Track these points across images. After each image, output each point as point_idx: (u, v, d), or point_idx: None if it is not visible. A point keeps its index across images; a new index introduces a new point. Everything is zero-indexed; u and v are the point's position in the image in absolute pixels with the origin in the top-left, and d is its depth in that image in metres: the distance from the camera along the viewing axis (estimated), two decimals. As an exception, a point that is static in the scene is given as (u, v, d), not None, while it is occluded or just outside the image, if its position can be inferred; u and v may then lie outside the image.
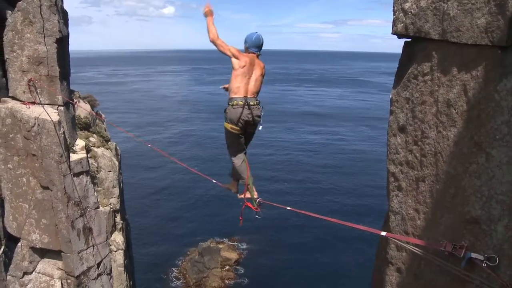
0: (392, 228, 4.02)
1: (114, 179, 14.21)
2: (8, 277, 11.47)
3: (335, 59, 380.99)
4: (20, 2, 10.80)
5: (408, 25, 3.52)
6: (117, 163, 14.87)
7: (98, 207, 12.55)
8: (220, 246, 30.51)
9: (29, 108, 10.85)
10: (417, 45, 3.60)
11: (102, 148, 14.63)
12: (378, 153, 50.84)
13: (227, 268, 28.33)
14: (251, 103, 5.27)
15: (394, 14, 3.76)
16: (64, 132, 11.09)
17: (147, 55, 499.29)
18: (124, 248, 14.54)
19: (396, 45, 4.27)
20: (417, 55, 3.57)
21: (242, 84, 5.29)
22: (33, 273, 11.75)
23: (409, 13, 3.49)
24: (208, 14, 5.40)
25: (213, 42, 5.38)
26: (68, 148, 11.46)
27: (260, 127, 5.60)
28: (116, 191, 14.27)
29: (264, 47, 5.70)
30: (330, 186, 42.82)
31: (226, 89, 5.79)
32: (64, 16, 11.84)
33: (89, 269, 12.09)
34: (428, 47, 3.37)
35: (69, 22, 12.46)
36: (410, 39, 3.80)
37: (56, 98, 11.39)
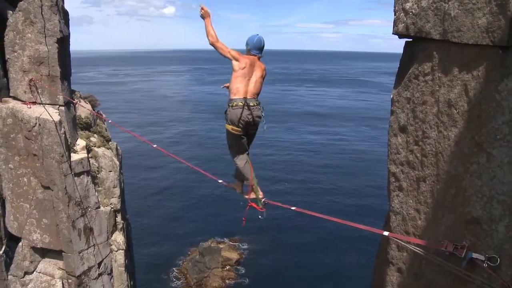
0: (393, 228, 4.02)
1: (115, 179, 14.22)
2: (9, 277, 11.49)
3: (335, 59, 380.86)
4: (21, 2, 10.81)
5: (409, 25, 3.52)
6: (118, 163, 14.88)
7: (99, 207, 12.56)
8: (221, 246, 30.50)
9: (30, 108, 10.86)
10: (418, 45, 3.60)
11: (103, 148, 14.63)
12: (379, 153, 50.77)
13: (228, 268, 28.32)
14: (251, 104, 5.26)
15: (395, 14, 3.76)
16: (65, 132, 11.10)
17: (147, 55, 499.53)
18: (125, 248, 14.55)
19: (397, 45, 4.27)
20: (418, 55, 3.57)
21: (242, 85, 5.29)
22: (34, 272, 11.76)
23: (410, 13, 3.49)
24: (205, 16, 5.36)
25: (212, 45, 5.37)
26: (69, 148, 11.47)
27: (265, 127, 5.62)
28: (117, 191, 14.27)
29: (264, 47, 5.67)
30: (330, 186, 42.81)
31: (228, 88, 5.80)
32: (65, 16, 11.85)
33: (90, 269, 12.10)
34: (429, 47, 3.37)
35: (70, 22, 12.47)
36: (411, 39, 3.80)
37: (57, 98, 11.40)
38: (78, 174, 11.56)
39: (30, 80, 11.02)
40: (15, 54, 10.96)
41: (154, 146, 8.52)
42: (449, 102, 3.09)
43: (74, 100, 12.75)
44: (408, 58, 3.79)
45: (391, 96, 4.01)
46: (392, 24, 3.83)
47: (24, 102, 11.04)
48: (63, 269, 11.81)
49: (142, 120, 72.55)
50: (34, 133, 10.61)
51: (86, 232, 11.86)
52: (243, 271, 28.30)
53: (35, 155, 10.80)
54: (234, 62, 5.33)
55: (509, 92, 2.46)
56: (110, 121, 15.19)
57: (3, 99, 11.02)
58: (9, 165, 10.99)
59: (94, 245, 12.22)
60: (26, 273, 11.63)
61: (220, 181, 6.27)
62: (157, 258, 29.47)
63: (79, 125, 13.85)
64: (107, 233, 13.00)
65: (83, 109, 14.46)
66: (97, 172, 13.48)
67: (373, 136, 63.13)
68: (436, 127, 3.28)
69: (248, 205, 5.39)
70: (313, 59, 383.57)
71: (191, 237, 32.25)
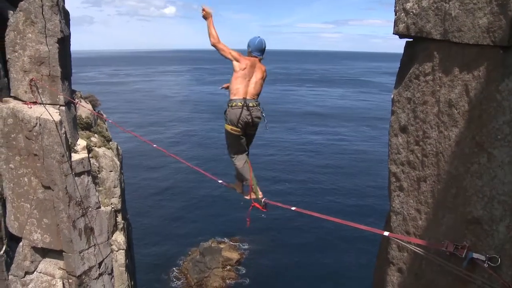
0: (394, 228, 4.01)
1: (115, 179, 14.23)
2: (10, 277, 11.49)
3: (336, 59, 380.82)
4: (22, 2, 10.82)
5: (409, 25, 3.52)
6: (118, 163, 14.89)
7: (99, 207, 12.56)
8: (222, 246, 30.51)
9: (31, 108, 10.87)
10: (418, 45, 3.60)
11: (104, 148, 14.65)
12: (379, 153, 50.77)
13: (228, 268, 28.33)
14: (250, 104, 5.28)
15: (395, 14, 3.76)
16: (65, 132, 11.11)
17: (148, 55, 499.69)
18: (125, 248, 14.56)
19: (397, 45, 4.27)
20: (418, 55, 3.57)
21: (241, 86, 5.32)
22: (35, 272, 11.77)
23: (411, 13, 3.49)
24: (207, 17, 5.40)
25: (214, 45, 5.43)
26: (70, 148, 11.47)
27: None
28: (118, 191, 14.29)
29: (265, 49, 5.73)
30: (331, 186, 42.81)
31: (227, 88, 5.85)
32: (65, 16, 11.86)
33: (90, 268, 12.10)
34: (429, 47, 3.37)
35: (71, 22, 12.49)
36: (411, 39, 3.80)
37: (58, 98, 11.41)
38: (78, 174, 11.57)
39: (31, 80, 11.02)
40: (16, 54, 10.96)
41: (154, 146, 8.52)
42: (449, 102, 3.09)
43: (74, 100, 12.76)
44: (409, 58, 3.79)
45: (392, 96, 4.01)
46: (392, 24, 3.83)
47: (24, 102, 11.05)
48: (63, 269, 11.81)
49: (143, 120, 72.58)
50: (34, 133, 10.62)
51: (86, 232, 11.87)
52: (244, 271, 28.31)
53: (35, 155, 10.80)
54: (235, 62, 5.37)
55: (509, 92, 2.46)
56: (110, 121, 15.21)
57: (3, 99, 11.03)
58: (10, 165, 10.99)
59: (94, 245, 12.23)
60: (26, 273, 11.64)
61: (220, 181, 6.26)
62: (158, 258, 29.48)
63: (79, 125, 13.86)
64: (108, 233, 13.01)
65: (84, 109, 14.47)
66: (97, 172, 13.49)
67: (374, 136, 63.15)
68: (437, 127, 3.28)
69: (251, 205, 5.39)
70: (314, 59, 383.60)
71: (191, 237, 32.27)
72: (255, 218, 34.33)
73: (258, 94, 5.48)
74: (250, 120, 5.29)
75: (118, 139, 18.51)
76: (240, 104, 5.22)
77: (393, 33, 3.83)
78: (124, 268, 14.58)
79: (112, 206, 13.79)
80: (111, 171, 14.12)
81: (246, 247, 31.21)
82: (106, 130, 16.55)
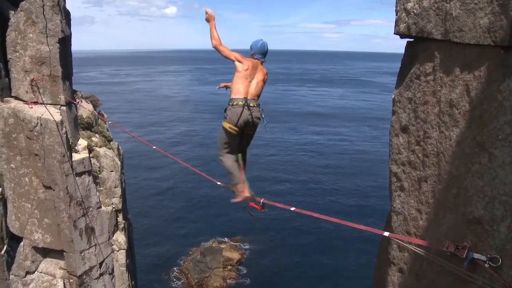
0: (394, 228, 4.01)
1: (116, 179, 14.24)
2: (11, 276, 11.50)
3: (337, 59, 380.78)
4: (23, 2, 10.83)
5: (410, 25, 3.52)
6: (119, 162, 14.90)
7: (100, 207, 12.57)
8: (222, 246, 30.53)
9: (32, 108, 10.88)
10: (419, 45, 3.60)
11: (104, 148, 14.66)
12: (380, 153, 50.76)
13: (229, 268, 28.34)
14: (251, 104, 5.31)
15: (396, 14, 3.76)
16: (66, 132, 11.11)
17: (149, 55, 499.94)
18: (126, 248, 14.58)
19: (398, 45, 4.27)
20: (419, 55, 3.57)
21: (243, 86, 5.37)
22: (36, 272, 11.78)
23: (412, 13, 3.48)
24: (209, 19, 5.48)
25: (216, 47, 5.50)
26: (71, 148, 11.48)
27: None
28: (118, 190, 14.30)
29: (268, 52, 5.83)
30: (332, 186, 42.80)
31: (225, 87, 6.00)
32: (66, 16, 11.87)
33: (91, 268, 12.11)
34: (430, 47, 3.37)
35: (72, 22, 12.50)
36: (412, 39, 3.80)
37: (59, 98, 11.42)
38: (79, 174, 11.58)
39: (32, 80, 11.03)
40: (17, 54, 10.98)
41: (154, 147, 8.52)
42: (450, 102, 3.09)
43: (75, 100, 12.77)
44: (410, 58, 3.79)
45: (393, 96, 4.00)
46: (393, 24, 3.83)
47: (25, 102, 11.06)
48: (64, 269, 11.82)
49: (144, 120, 72.62)
50: (35, 133, 10.63)
51: (87, 232, 11.88)
52: (245, 271, 28.31)
53: (36, 155, 10.81)
54: (237, 63, 5.43)
55: (510, 92, 2.46)
56: (110, 122, 15.23)
57: (5, 99, 11.04)
58: (11, 165, 11.00)
59: (95, 245, 12.24)
60: (27, 272, 11.65)
61: (218, 183, 6.25)
62: (158, 258, 29.50)
63: (80, 125, 13.88)
64: (109, 233, 13.02)
65: (85, 109, 14.48)
66: (98, 172, 13.50)
67: (375, 136, 63.14)
68: (438, 127, 3.27)
69: (249, 206, 5.40)
70: (315, 59, 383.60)
71: (192, 237, 32.28)
72: (256, 218, 34.35)
73: (258, 95, 5.53)
74: (250, 120, 5.30)
75: (119, 139, 18.52)
76: (241, 103, 5.24)
77: (394, 33, 3.82)
78: (124, 268, 14.59)
79: (113, 206, 13.81)
80: (112, 171, 14.13)
81: (247, 247, 31.22)
82: (107, 130, 16.57)
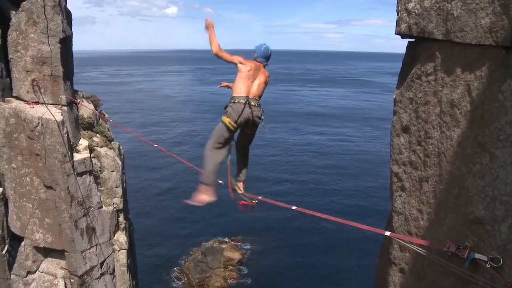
0: (396, 229, 4.01)
1: (117, 179, 14.25)
2: (12, 276, 11.52)
3: (338, 59, 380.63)
4: (24, 3, 10.85)
5: (411, 25, 3.52)
6: (120, 162, 14.91)
7: (101, 207, 12.58)
8: (223, 246, 30.52)
9: (33, 108, 10.89)
10: (420, 45, 3.59)
11: (106, 147, 14.67)
12: (381, 153, 50.73)
13: (230, 268, 28.33)
14: (252, 103, 5.33)
15: (397, 14, 3.76)
16: (67, 132, 11.12)
17: (150, 55, 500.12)
18: (127, 248, 14.58)
19: (399, 45, 4.27)
20: (420, 55, 3.57)
21: (245, 86, 5.42)
22: (37, 272, 11.79)
23: (413, 13, 3.48)
24: (208, 27, 5.55)
25: (217, 54, 5.55)
26: (72, 148, 11.49)
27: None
28: (119, 190, 14.31)
29: (270, 57, 5.91)
30: (333, 186, 42.78)
31: (226, 87, 6.08)
32: (67, 16, 11.89)
33: (92, 268, 12.12)
34: (431, 47, 3.36)
35: (73, 22, 12.51)
36: (413, 39, 3.80)
37: (60, 98, 11.44)
38: (80, 174, 11.59)
39: (33, 80, 11.05)
40: (18, 54, 10.99)
41: (155, 145, 8.53)
42: (451, 102, 3.08)
43: (76, 100, 12.78)
44: (411, 58, 3.79)
45: (394, 96, 4.00)
46: (394, 24, 3.83)
47: (26, 102, 11.07)
48: (65, 269, 11.83)
49: (145, 120, 72.62)
50: (36, 133, 10.64)
51: (88, 231, 11.89)
52: (246, 271, 28.30)
53: (37, 154, 10.82)
54: (240, 65, 5.50)
55: (512, 92, 2.46)
56: (110, 120, 15.22)
57: (6, 99, 11.05)
58: (12, 165, 11.02)
59: (96, 245, 12.25)
60: (28, 272, 11.67)
61: (220, 181, 6.22)
62: (159, 258, 29.50)
63: (81, 125, 13.89)
64: (110, 233, 13.03)
65: (86, 109, 14.49)
66: (99, 172, 13.51)
67: (376, 136, 63.09)
68: (439, 127, 3.27)
69: (240, 205, 5.42)
70: (316, 59, 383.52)
71: (193, 237, 32.28)
72: (257, 218, 34.20)
73: (260, 96, 5.56)
74: (251, 118, 5.30)
75: (120, 139, 18.53)
76: (243, 101, 5.26)
77: (395, 33, 3.82)
78: (125, 268, 14.60)
79: (114, 206, 13.82)
80: (113, 171, 14.14)
81: (248, 247, 31.20)
82: (108, 130, 16.58)
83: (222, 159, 5.43)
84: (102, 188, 13.47)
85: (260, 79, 5.56)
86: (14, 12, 10.97)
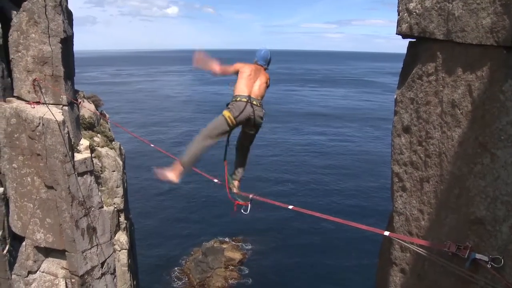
0: (396, 229, 4.01)
1: (118, 179, 14.26)
2: (13, 276, 11.53)
3: (338, 59, 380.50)
4: (25, 3, 10.85)
5: (412, 25, 3.52)
6: (121, 162, 14.92)
7: (102, 207, 12.58)
8: (224, 246, 30.51)
9: (34, 108, 10.90)
10: (421, 45, 3.59)
11: (106, 147, 14.68)
12: (382, 153, 50.69)
13: (231, 268, 28.31)
14: (254, 102, 5.32)
15: (398, 14, 3.76)
16: (68, 132, 11.13)
17: (150, 55, 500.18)
18: (128, 248, 14.59)
19: (400, 45, 4.26)
20: (421, 55, 3.56)
21: (246, 86, 5.45)
22: (38, 272, 11.80)
23: (414, 13, 3.48)
24: (201, 62, 5.65)
25: (222, 74, 5.70)
26: (73, 148, 11.50)
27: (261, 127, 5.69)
28: (120, 190, 14.31)
29: (267, 47, 5.98)
30: (333, 186, 42.76)
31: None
32: (68, 16, 11.89)
33: (93, 268, 12.12)
34: (432, 47, 3.36)
35: (74, 22, 12.51)
36: (414, 39, 3.79)
37: (61, 98, 11.44)
38: (81, 174, 11.59)
39: (34, 80, 11.06)
40: (19, 54, 11.00)
41: (152, 145, 8.53)
42: (452, 102, 3.08)
43: (77, 100, 12.79)
44: (412, 58, 3.79)
45: (395, 96, 4.00)
46: (395, 24, 3.83)
47: (28, 102, 11.08)
48: (66, 269, 11.84)
49: (146, 120, 72.66)
50: (37, 133, 10.64)
51: (89, 231, 11.89)
52: (246, 271, 28.29)
53: (38, 154, 10.83)
54: (241, 69, 5.56)
55: (513, 92, 2.45)
56: (110, 120, 15.24)
57: (7, 99, 11.06)
58: (13, 165, 11.02)
59: (97, 245, 12.25)
60: (29, 272, 11.67)
61: (215, 180, 6.16)
62: (160, 258, 29.51)
63: (82, 125, 13.90)
64: (110, 232, 13.03)
65: (87, 109, 14.51)
66: (100, 172, 13.52)
67: (377, 136, 63.07)
68: (440, 127, 3.27)
69: (235, 205, 5.39)
70: (316, 59, 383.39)
71: (194, 237, 32.28)
72: (258, 218, 34.10)
73: (262, 96, 5.54)
74: (252, 117, 5.28)
75: (121, 139, 18.54)
76: (245, 100, 5.26)
77: (396, 33, 3.82)
78: (126, 268, 14.60)
79: (115, 206, 13.82)
80: (114, 171, 14.15)
81: (248, 247, 31.19)
82: (109, 130, 16.59)
83: (206, 148, 5.38)
84: (103, 188, 13.48)
85: (261, 80, 5.58)
86: (15, 12, 10.98)
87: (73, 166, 11.22)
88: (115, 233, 13.92)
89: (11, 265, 11.49)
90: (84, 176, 11.73)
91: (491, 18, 2.59)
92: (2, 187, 11.20)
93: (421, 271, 3.60)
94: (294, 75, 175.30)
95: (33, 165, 10.98)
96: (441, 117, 3.24)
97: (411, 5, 3.51)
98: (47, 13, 10.91)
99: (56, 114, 10.84)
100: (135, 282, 15.83)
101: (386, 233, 3.67)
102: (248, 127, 5.46)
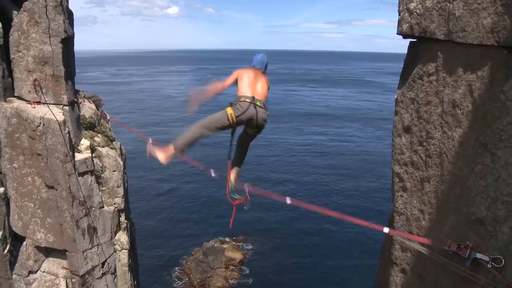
0: (397, 229, 4.01)
1: (118, 179, 14.26)
2: (14, 276, 11.54)
3: (339, 59, 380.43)
4: (26, 3, 10.86)
5: (413, 25, 3.51)
6: (121, 162, 14.92)
7: (102, 207, 12.59)
8: (225, 246, 30.51)
9: (35, 107, 10.91)
10: (422, 45, 3.59)
11: (107, 147, 14.68)
12: (383, 153, 50.69)
13: (231, 268, 28.31)
14: (258, 103, 5.27)
15: (399, 14, 3.76)
16: (69, 132, 11.14)
17: (151, 55, 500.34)
18: (128, 248, 14.59)
19: (401, 45, 4.26)
20: (422, 55, 3.56)
21: (249, 88, 5.44)
22: (38, 272, 11.81)
23: (415, 13, 3.48)
24: (196, 101, 5.83)
25: (223, 89, 5.76)
26: (73, 148, 11.50)
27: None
28: (121, 190, 14.31)
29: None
30: (334, 186, 42.75)
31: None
32: (69, 16, 11.89)
33: (93, 268, 12.13)
34: (433, 48, 3.36)
35: (74, 22, 12.52)
36: (415, 39, 3.79)
37: (61, 98, 11.45)
38: (82, 174, 11.60)
39: (35, 80, 11.06)
40: (20, 54, 11.00)
41: (150, 142, 8.48)
42: (453, 102, 3.08)
43: (78, 100, 12.79)
44: (412, 58, 3.78)
45: (395, 96, 4.00)
46: (396, 24, 3.82)
47: (28, 102, 11.09)
48: (67, 269, 11.85)
49: (146, 120, 72.67)
50: (38, 133, 10.65)
51: (90, 231, 11.90)
52: (247, 271, 28.29)
53: (39, 154, 10.84)
54: (240, 75, 5.56)
55: (514, 92, 2.45)
56: (109, 117, 15.24)
57: (7, 99, 11.07)
58: (14, 165, 11.03)
59: (97, 245, 12.26)
60: (30, 272, 11.68)
61: (213, 174, 6.10)
62: (161, 258, 29.51)
63: (83, 125, 13.90)
64: (111, 232, 13.03)
65: (87, 109, 14.51)
66: (101, 172, 13.52)
67: (377, 136, 63.05)
68: (441, 127, 3.27)
69: (234, 206, 5.40)
70: (317, 59, 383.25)
71: (194, 237, 32.28)
72: (258, 218, 34.05)
73: (265, 98, 5.51)
74: (255, 118, 5.25)
75: (121, 139, 18.54)
76: (249, 100, 5.23)
77: (397, 33, 3.82)
78: (127, 268, 14.60)
79: (115, 206, 13.82)
80: (115, 171, 14.15)
81: (249, 247, 31.19)
82: (110, 130, 16.59)
83: (201, 138, 5.46)
84: (104, 188, 13.48)
85: (261, 82, 5.58)
86: (16, 12, 10.98)
87: (74, 166, 11.22)
88: (116, 233, 13.92)
89: (12, 265, 11.50)
90: (85, 176, 11.74)
91: (491, 18, 2.59)
92: (2, 187, 11.21)
93: (422, 271, 3.60)
94: (295, 75, 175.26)
95: (33, 165, 10.99)
96: (442, 117, 3.24)
97: (412, 5, 3.51)
98: (47, 13, 10.92)
99: (56, 114, 10.84)
100: (135, 282, 15.83)
101: (386, 229, 3.66)
102: (250, 128, 5.44)
